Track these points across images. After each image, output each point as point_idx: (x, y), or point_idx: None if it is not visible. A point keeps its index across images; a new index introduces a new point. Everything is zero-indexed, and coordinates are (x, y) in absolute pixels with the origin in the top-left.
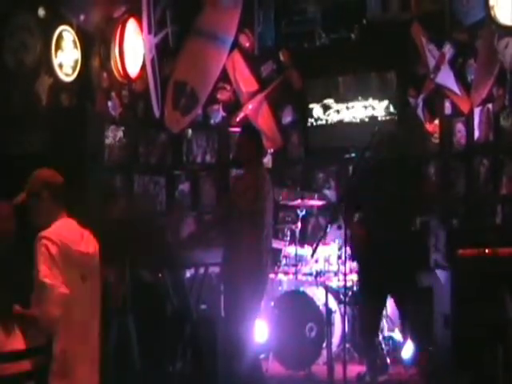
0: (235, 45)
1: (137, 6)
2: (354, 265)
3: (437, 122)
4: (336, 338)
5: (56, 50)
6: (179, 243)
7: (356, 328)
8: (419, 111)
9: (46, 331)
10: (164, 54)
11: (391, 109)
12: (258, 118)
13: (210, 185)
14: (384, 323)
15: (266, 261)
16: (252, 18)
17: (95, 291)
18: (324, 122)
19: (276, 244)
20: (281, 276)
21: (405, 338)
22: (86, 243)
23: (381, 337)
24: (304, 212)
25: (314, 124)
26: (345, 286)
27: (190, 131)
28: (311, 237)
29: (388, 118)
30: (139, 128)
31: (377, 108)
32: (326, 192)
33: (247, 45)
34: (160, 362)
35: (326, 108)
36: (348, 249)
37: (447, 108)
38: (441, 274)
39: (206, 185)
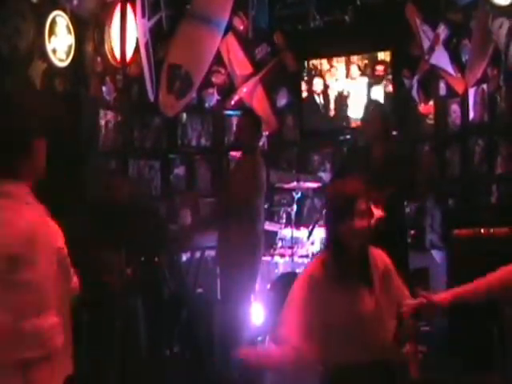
0: (229, 28)
1: None
2: None
3: (431, 102)
4: None
5: (49, 36)
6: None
7: None
8: (414, 92)
9: None
10: (158, 38)
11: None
12: (253, 101)
13: (205, 168)
14: None
15: (260, 244)
16: (246, 0)
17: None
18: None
19: (272, 226)
20: (277, 258)
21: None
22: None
23: None
24: (299, 194)
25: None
26: None
27: (184, 115)
28: (307, 219)
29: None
30: (134, 112)
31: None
32: (322, 174)
33: (241, 28)
34: (157, 346)
35: None
36: None
37: (442, 89)
38: (436, 254)
39: (201, 168)
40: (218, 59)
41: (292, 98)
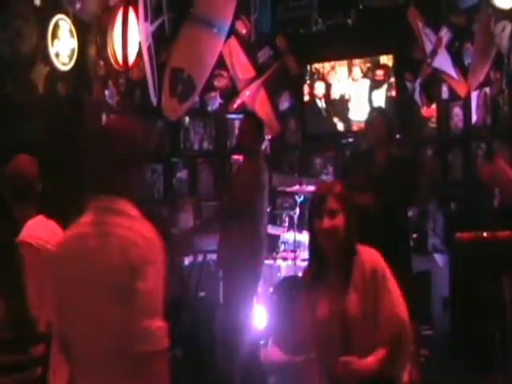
0: (232, 31)
1: None
2: None
3: (434, 106)
4: None
5: (52, 39)
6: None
7: None
8: (416, 95)
9: None
10: (160, 42)
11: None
12: (255, 105)
13: (208, 172)
14: None
15: (262, 247)
16: (248, 4)
17: None
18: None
19: (274, 230)
20: (279, 262)
21: None
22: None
23: None
24: (302, 198)
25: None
26: None
27: (187, 118)
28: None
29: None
30: (136, 116)
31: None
32: (324, 178)
33: (244, 31)
34: None
35: None
36: None
37: (444, 92)
38: (439, 257)
39: (203, 172)
40: (221, 63)
41: (294, 101)
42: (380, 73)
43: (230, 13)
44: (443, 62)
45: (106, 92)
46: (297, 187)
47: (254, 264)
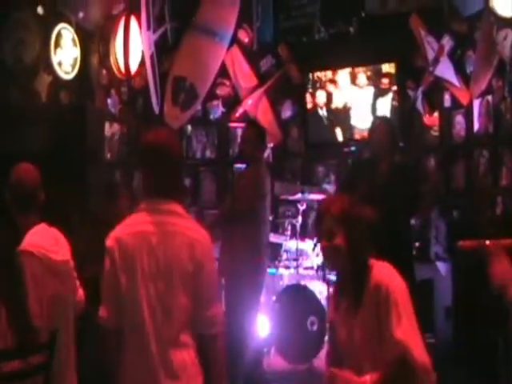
0: (234, 40)
1: (135, 3)
2: None
3: (436, 114)
4: None
5: (55, 48)
6: None
7: None
8: (418, 104)
9: None
10: (163, 51)
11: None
12: (258, 113)
13: (210, 180)
14: None
15: (264, 255)
16: (250, 13)
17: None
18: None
19: (277, 238)
20: (282, 270)
21: None
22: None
23: None
24: (304, 206)
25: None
26: None
27: (189, 127)
28: (312, 231)
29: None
30: (139, 124)
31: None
32: (326, 186)
33: (246, 40)
34: None
35: None
36: None
37: (446, 100)
38: (442, 266)
39: (206, 180)
40: (223, 71)
41: (297, 109)
42: (385, 81)
43: (233, 21)
44: (445, 70)
45: (109, 100)
46: (299, 195)
47: (256, 272)
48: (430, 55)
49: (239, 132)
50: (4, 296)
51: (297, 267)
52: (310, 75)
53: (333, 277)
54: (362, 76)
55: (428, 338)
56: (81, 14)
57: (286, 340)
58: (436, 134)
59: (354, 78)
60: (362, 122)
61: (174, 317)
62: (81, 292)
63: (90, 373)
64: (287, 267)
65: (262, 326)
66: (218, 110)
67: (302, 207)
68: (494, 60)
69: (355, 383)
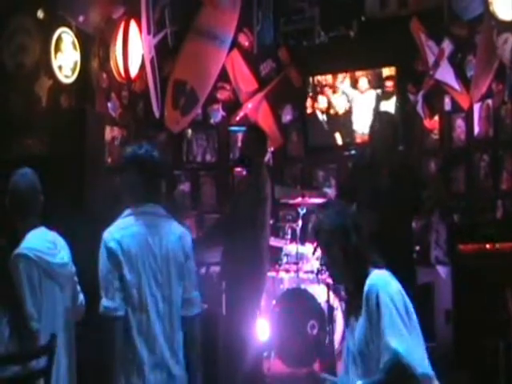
0: (234, 44)
1: (136, 7)
2: None
3: (436, 118)
4: (338, 335)
5: (55, 52)
6: None
7: None
8: (419, 107)
9: None
10: (163, 54)
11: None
12: (258, 117)
13: (211, 184)
14: None
15: (265, 259)
16: (251, 17)
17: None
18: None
19: (277, 242)
20: (282, 274)
21: None
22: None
23: None
24: (305, 210)
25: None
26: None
27: (189, 131)
28: (312, 235)
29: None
30: (139, 128)
31: None
32: (327, 190)
33: (246, 44)
34: None
35: None
36: None
37: (447, 104)
38: (442, 269)
39: (206, 184)
40: (223, 75)
41: (297, 113)
42: (389, 83)
43: (233, 25)
44: (445, 73)
45: (109, 104)
46: (299, 199)
47: (256, 276)
48: (431, 59)
49: (240, 136)
50: (1, 299)
51: (297, 271)
52: (311, 79)
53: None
54: (364, 80)
55: (428, 342)
56: (81, 18)
57: (286, 344)
58: (436, 137)
59: (354, 82)
60: (362, 126)
61: (172, 303)
62: (81, 297)
63: (89, 376)
64: (287, 271)
65: (262, 329)
66: (218, 113)
67: (302, 211)
68: (494, 64)
69: None
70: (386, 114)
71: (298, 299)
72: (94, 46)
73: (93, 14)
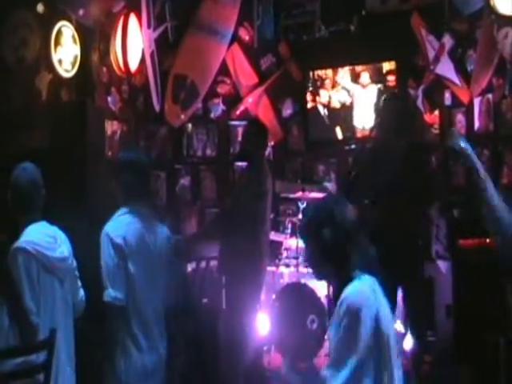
0: (235, 38)
1: (136, 1)
2: None
3: (437, 112)
4: None
5: (55, 46)
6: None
7: None
8: (419, 102)
9: None
10: (163, 49)
11: None
12: (258, 111)
13: (211, 178)
14: None
15: (265, 253)
16: (251, 11)
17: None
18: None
19: (277, 237)
20: (282, 268)
21: (407, 329)
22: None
23: None
24: (305, 204)
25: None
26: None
27: (190, 125)
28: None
29: None
30: (139, 122)
31: None
32: (327, 184)
33: (247, 38)
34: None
35: None
36: None
37: (447, 99)
38: (442, 264)
39: (206, 178)
40: (224, 69)
41: (297, 108)
42: (391, 78)
43: (233, 19)
44: (446, 68)
45: (109, 98)
46: (300, 194)
47: (256, 271)
48: (431, 54)
49: (240, 130)
50: (0, 293)
51: (297, 265)
52: (311, 73)
53: None
54: (366, 75)
55: (429, 336)
56: (81, 12)
57: (285, 338)
58: (436, 132)
59: (354, 77)
60: (363, 120)
61: (160, 292)
62: (82, 292)
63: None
64: (287, 265)
65: (262, 324)
66: (218, 108)
67: (302, 205)
68: (494, 58)
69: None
70: (389, 99)
71: (297, 294)
72: (94, 39)
73: (93, 8)
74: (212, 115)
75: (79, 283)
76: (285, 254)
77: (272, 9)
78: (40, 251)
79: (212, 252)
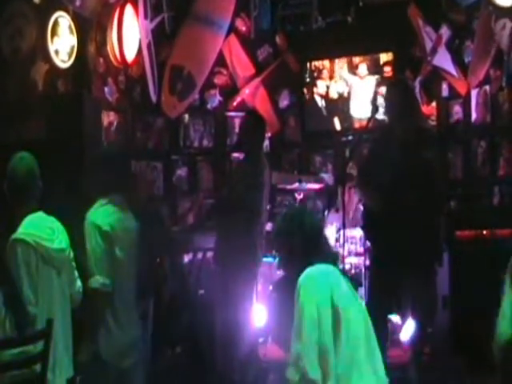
0: (231, 29)
1: None
2: (352, 247)
3: (434, 104)
4: None
5: (52, 37)
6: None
7: None
8: (416, 93)
9: None
10: (160, 39)
11: None
12: (255, 102)
13: (208, 169)
14: None
15: (259, 245)
16: (248, 1)
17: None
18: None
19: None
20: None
21: (403, 321)
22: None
23: None
24: (302, 195)
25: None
26: (343, 269)
27: (186, 116)
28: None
29: None
30: (136, 113)
31: None
32: (324, 175)
33: (243, 29)
34: (159, 347)
35: None
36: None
37: (444, 90)
38: None
39: (203, 169)
40: (221, 60)
41: (294, 99)
42: (388, 69)
43: (230, 10)
44: (443, 59)
45: (106, 89)
46: (296, 185)
47: (251, 262)
48: (428, 45)
49: (237, 121)
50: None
51: None
52: (308, 64)
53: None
54: (363, 66)
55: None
56: (77, 2)
57: (282, 329)
58: (434, 123)
59: (352, 68)
60: (361, 111)
61: (136, 273)
62: (79, 283)
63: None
64: None
65: (259, 315)
66: (215, 99)
67: (299, 196)
68: (491, 50)
69: None
70: (393, 84)
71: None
72: (91, 30)
73: None
74: (209, 106)
75: (76, 274)
76: None
77: None
78: (39, 242)
79: (208, 243)
